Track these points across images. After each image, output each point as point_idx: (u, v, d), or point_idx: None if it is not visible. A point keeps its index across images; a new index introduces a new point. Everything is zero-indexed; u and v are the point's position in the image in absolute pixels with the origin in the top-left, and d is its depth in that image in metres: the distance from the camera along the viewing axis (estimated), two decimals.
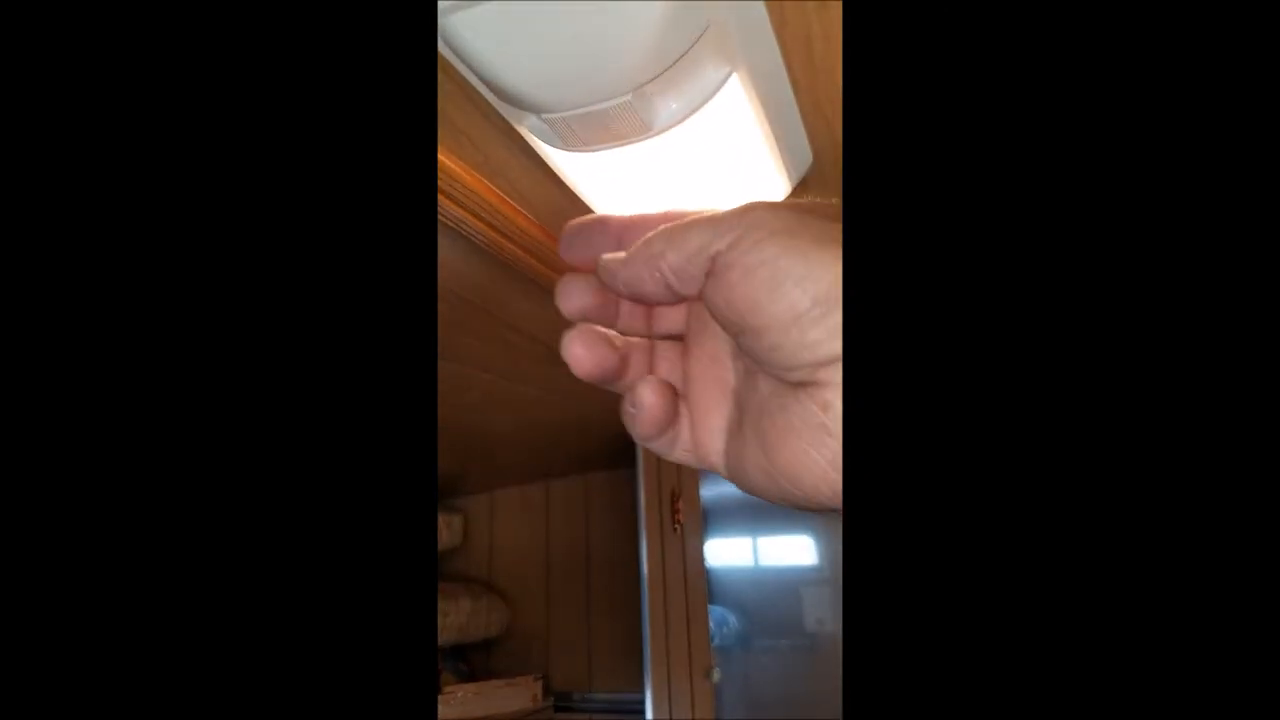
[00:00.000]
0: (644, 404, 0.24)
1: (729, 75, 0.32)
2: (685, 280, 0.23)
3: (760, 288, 0.21)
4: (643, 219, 0.25)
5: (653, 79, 0.28)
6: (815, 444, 0.21)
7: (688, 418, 0.26)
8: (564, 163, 0.40)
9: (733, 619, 1.27)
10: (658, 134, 0.32)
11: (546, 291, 0.66)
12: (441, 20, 0.26)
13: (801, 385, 0.21)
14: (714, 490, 1.26)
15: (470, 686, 1.37)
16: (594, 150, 0.35)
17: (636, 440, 0.26)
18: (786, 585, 1.26)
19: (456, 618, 1.42)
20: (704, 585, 1.18)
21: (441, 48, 0.29)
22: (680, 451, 0.26)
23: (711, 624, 1.18)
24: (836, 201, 0.22)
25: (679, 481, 1.23)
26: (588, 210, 0.49)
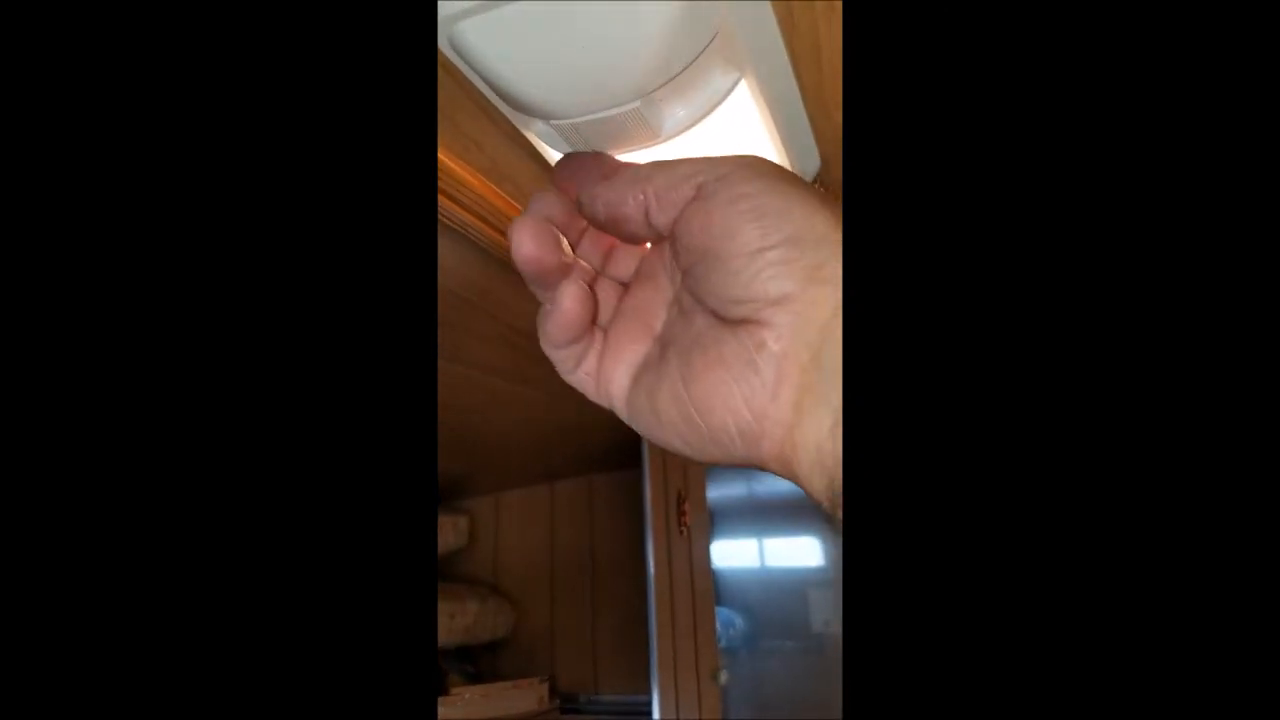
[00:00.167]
0: (561, 305, 0.25)
1: (737, 81, 0.32)
2: (665, 205, 0.23)
3: (738, 216, 0.21)
4: (638, 164, 0.26)
5: (662, 86, 0.28)
6: (739, 378, 0.21)
7: (600, 347, 0.27)
8: None
9: (739, 620, 1.27)
10: (666, 140, 0.32)
11: None
12: (450, 27, 0.26)
13: (741, 322, 0.22)
14: (720, 492, 1.26)
15: (477, 688, 1.37)
16: None
17: (542, 341, 0.26)
18: (792, 587, 1.26)
19: (463, 619, 1.43)
20: (711, 587, 1.18)
21: (449, 54, 0.29)
22: (581, 374, 0.27)
23: (718, 625, 1.18)
24: (831, 195, 0.22)
25: (685, 483, 1.23)
26: None
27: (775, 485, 1.19)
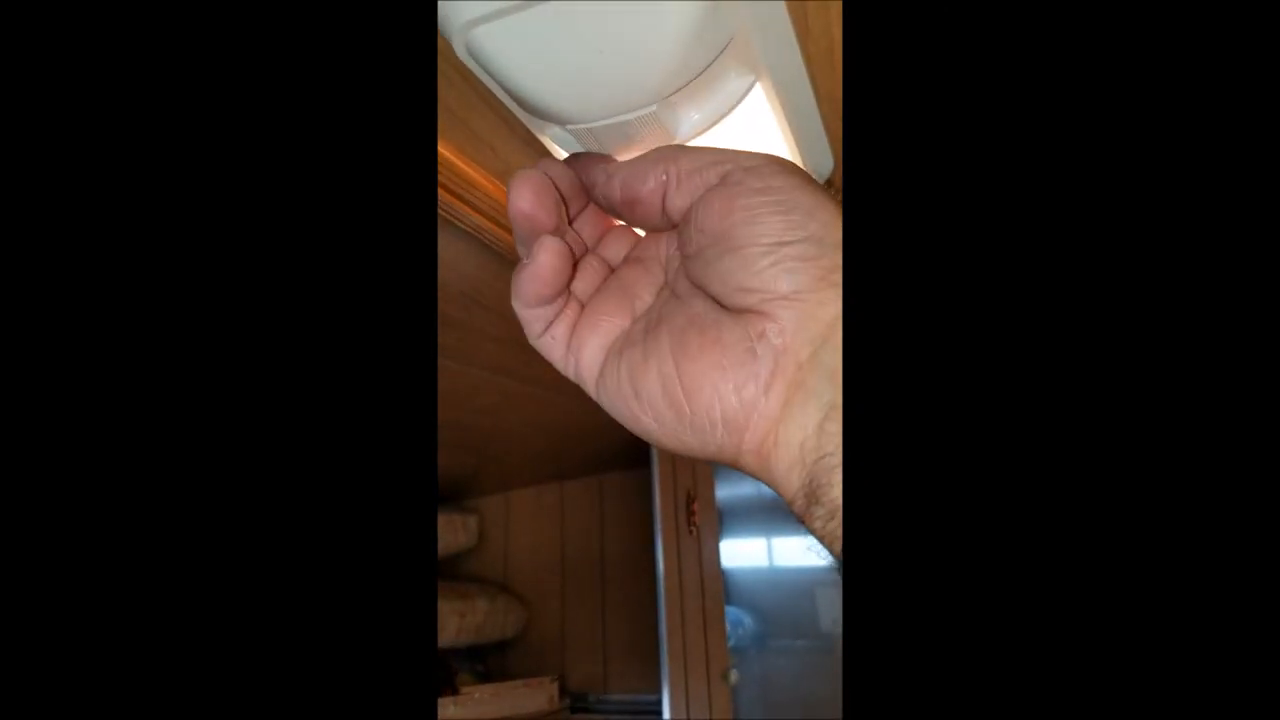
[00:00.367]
0: (537, 258, 0.24)
1: (753, 84, 0.32)
2: (687, 188, 0.23)
3: (764, 207, 0.21)
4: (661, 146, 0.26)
5: (678, 89, 0.28)
6: (735, 363, 0.21)
7: (575, 316, 0.26)
8: None
9: (748, 620, 1.27)
10: (682, 142, 0.32)
11: None
12: (466, 34, 0.26)
13: (744, 311, 0.21)
14: (729, 491, 1.26)
15: (487, 688, 1.37)
16: None
17: (514, 298, 0.25)
18: (801, 586, 1.25)
19: (473, 619, 1.43)
20: (720, 587, 1.18)
21: (466, 60, 0.29)
22: (548, 338, 0.26)
23: (727, 625, 1.18)
24: None
25: (695, 483, 1.23)
26: None
27: None
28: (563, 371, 0.27)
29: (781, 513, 1.32)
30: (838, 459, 0.19)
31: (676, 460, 1.24)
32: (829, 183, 0.48)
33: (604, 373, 0.25)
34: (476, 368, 0.90)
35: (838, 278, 0.21)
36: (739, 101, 0.32)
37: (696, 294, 0.24)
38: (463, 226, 0.51)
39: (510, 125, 0.41)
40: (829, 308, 0.20)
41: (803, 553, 1.28)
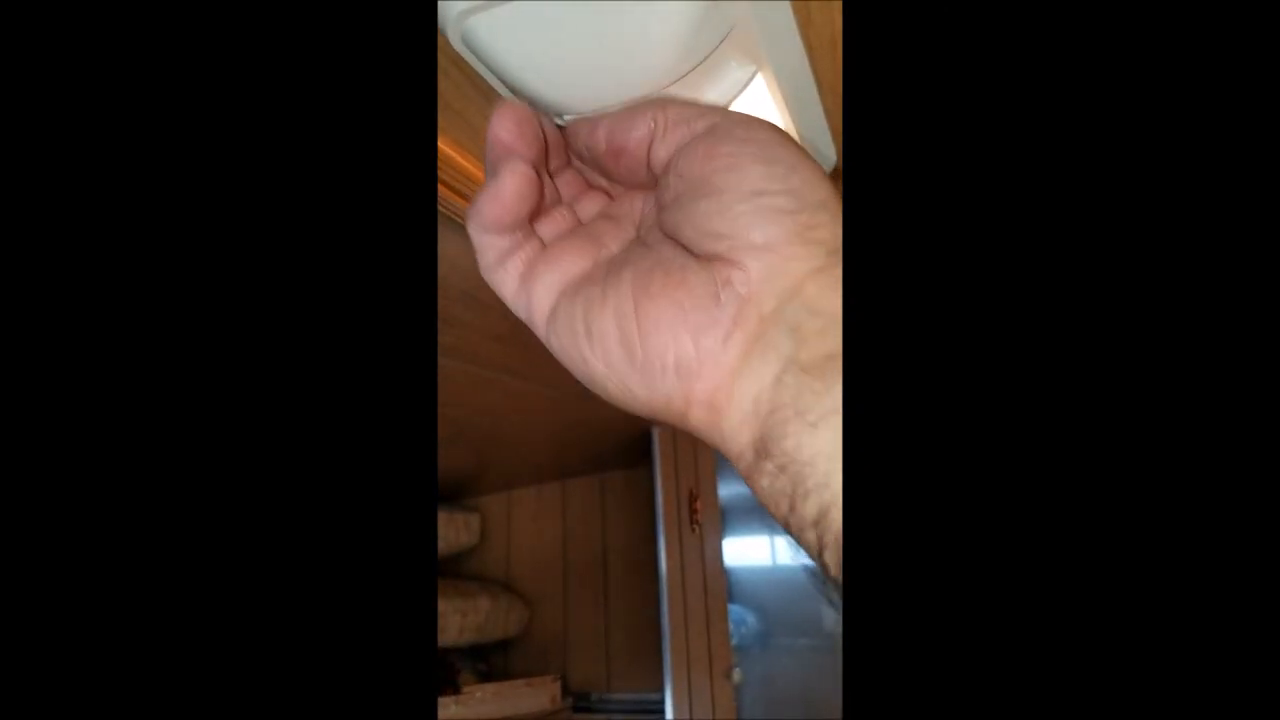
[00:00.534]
0: (503, 178, 0.23)
1: (754, 74, 0.32)
2: (674, 136, 0.23)
3: (748, 155, 0.21)
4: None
5: (677, 80, 0.27)
6: (697, 307, 0.21)
7: (533, 253, 0.25)
8: None
9: (751, 618, 1.27)
10: None
11: None
12: (462, 23, 0.26)
13: (714, 258, 0.21)
14: (732, 489, 1.25)
15: (489, 687, 1.37)
16: None
17: (471, 221, 0.24)
18: (805, 584, 1.25)
19: (475, 618, 1.43)
20: (723, 585, 1.18)
21: (461, 50, 0.28)
22: (502, 270, 0.25)
23: (730, 623, 1.18)
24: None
25: (697, 481, 1.23)
26: None
27: None
28: (513, 308, 0.26)
29: None
30: (792, 411, 0.19)
31: (679, 458, 1.24)
32: (832, 175, 0.48)
33: (557, 310, 0.24)
34: (477, 366, 0.90)
35: (812, 235, 0.20)
36: (739, 93, 0.31)
37: (666, 241, 0.23)
38: (460, 220, 0.51)
39: None
40: (799, 263, 0.20)
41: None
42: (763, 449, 0.19)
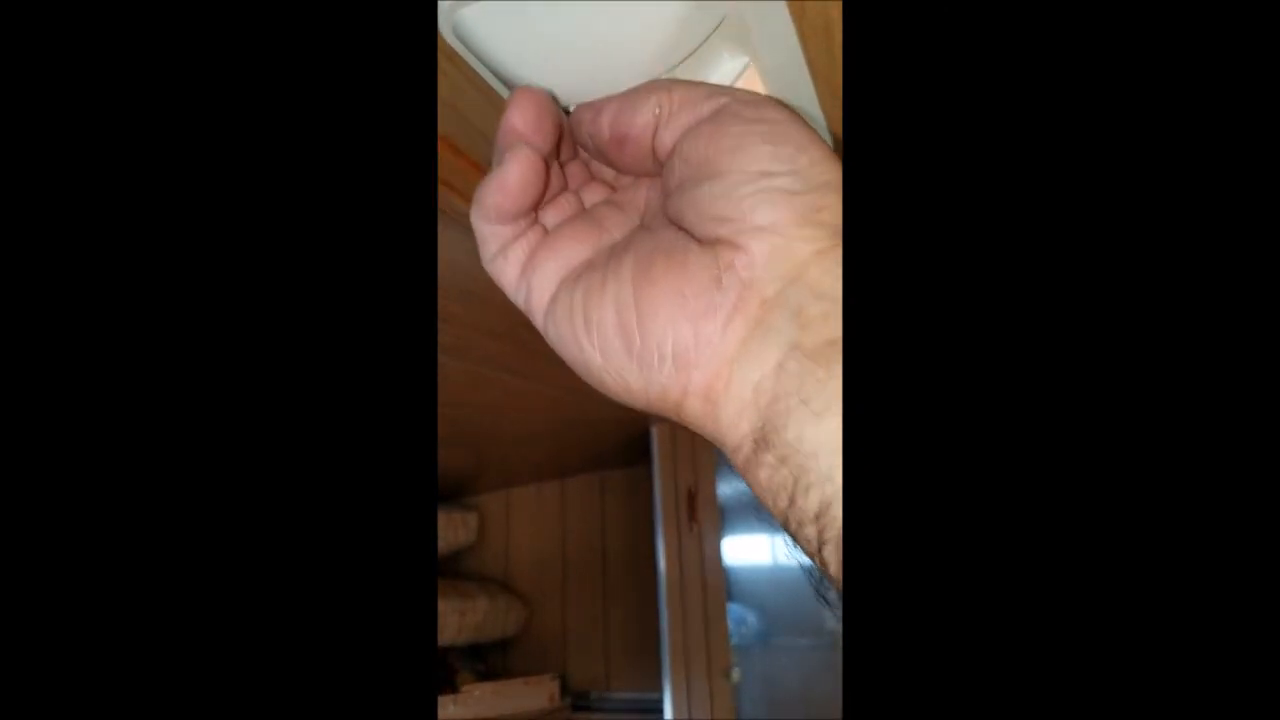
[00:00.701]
0: (508, 167, 0.23)
1: (746, 65, 0.31)
2: (680, 120, 0.23)
3: (754, 135, 0.21)
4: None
5: (669, 71, 0.27)
6: (698, 292, 0.20)
7: (534, 241, 0.25)
8: None
9: (751, 617, 1.26)
10: None
11: None
12: (453, 14, 0.26)
13: (717, 242, 0.21)
14: (731, 488, 1.25)
15: (488, 686, 1.37)
16: None
17: (475, 211, 0.24)
18: (805, 583, 1.25)
19: (473, 617, 1.43)
20: (722, 584, 1.17)
21: (453, 42, 0.28)
22: (503, 260, 0.25)
23: (730, 622, 1.18)
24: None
25: (696, 479, 1.22)
26: None
27: None
28: (512, 298, 0.25)
29: None
30: (795, 400, 0.18)
31: (678, 456, 1.24)
32: None
33: (556, 299, 0.24)
34: (476, 364, 0.90)
35: (818, 217, 0.20)
36: (732, 82, 0.31)
37: (670, 227, 0.23)
38: (456, 217, 0.51)
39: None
40: (804, 246, 0.20)
41: None
42: (762, 440, 0.19)
